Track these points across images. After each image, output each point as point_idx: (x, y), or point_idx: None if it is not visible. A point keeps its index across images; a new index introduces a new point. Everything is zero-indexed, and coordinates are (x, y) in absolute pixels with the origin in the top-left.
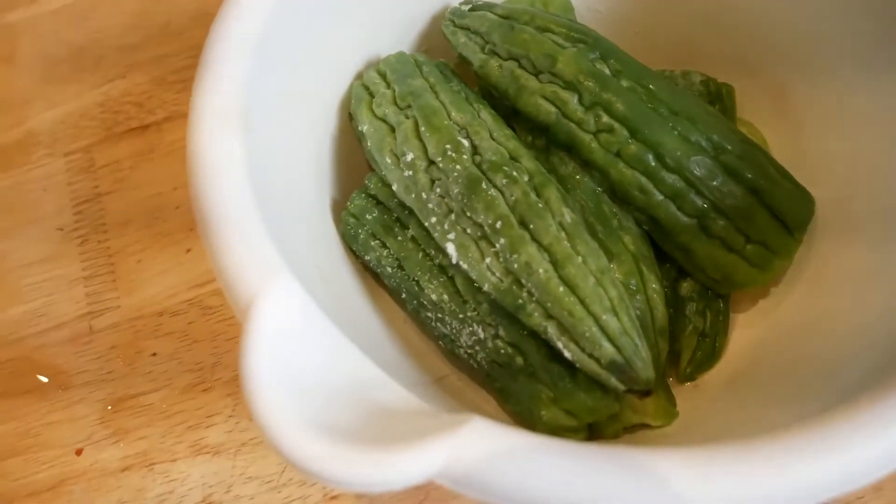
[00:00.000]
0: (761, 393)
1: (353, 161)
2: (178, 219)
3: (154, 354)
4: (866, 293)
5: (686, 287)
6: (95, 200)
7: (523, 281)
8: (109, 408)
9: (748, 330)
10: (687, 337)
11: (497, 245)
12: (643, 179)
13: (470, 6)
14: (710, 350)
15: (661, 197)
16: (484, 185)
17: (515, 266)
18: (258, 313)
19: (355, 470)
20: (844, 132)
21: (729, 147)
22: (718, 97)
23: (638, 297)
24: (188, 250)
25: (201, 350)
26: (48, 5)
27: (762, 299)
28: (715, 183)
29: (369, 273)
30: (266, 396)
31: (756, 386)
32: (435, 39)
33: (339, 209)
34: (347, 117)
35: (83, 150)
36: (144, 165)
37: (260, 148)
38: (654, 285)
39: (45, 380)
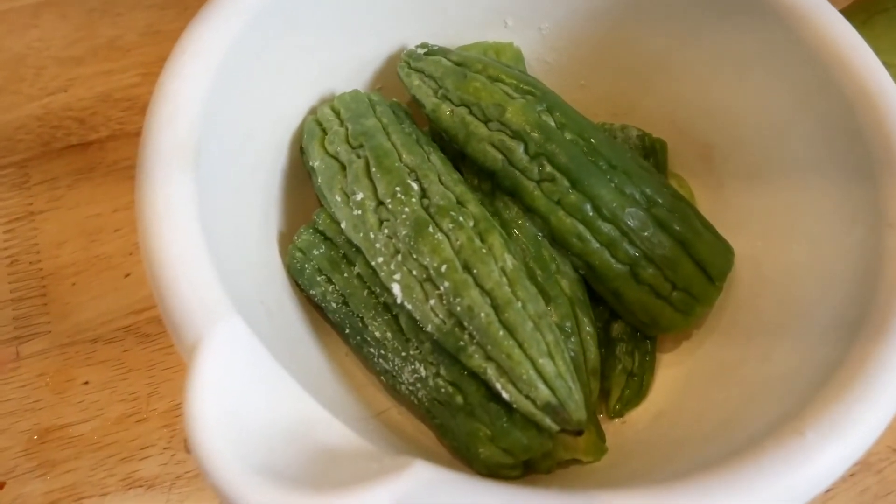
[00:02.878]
0: (682, 431)
1: (302, 194)
2: (117, 242)
3: (86, 383)
4: (774, 344)
5: (617, 328)
6: (28, 219)
7: (465, 324)
8: (35, 438)
9: (672, 369)
10: (617, 376)
11: (441, 288)
12: (581, 227)
13: (425, 50)
14: (638, 388)
15: (596, 245)
16: (431, 229)
17: (458, 309)
18: (204, 355)
19: None
20: (759, 190)
21: (660, 200)
22: (652, 151)
23: (572, 339)
24: (126, 275)
25: (137, 379)
26: None
27: (685, 341)
28: (646, 234)
29: (313, 306)
30: (211, 441)
31: (678, 424)
32: (390, 78)
33: (286, 242)
34: (299, 151)
35: (17, 165)
36: (83, 184)
37: (210, 181)
38: (587, 328)
39: None
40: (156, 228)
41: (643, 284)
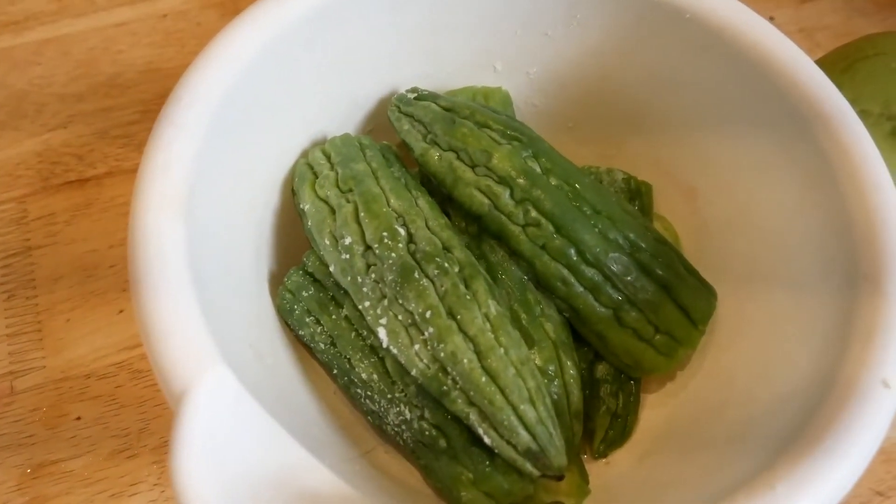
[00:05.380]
0: (665, 472)
1: (293, 234)
2: (111, 278)
3: (78, 418)
4: (754, 387)
5: (601, 370)
6: (25, 254)
7: (449, 369)
8: (28, 471)
9: (656, 410)
10: (601, 417)
11: (426, 333)
12: (565, 272)
13: (416, 94)
14: (622, 429)
15: (580, 288)
16: (416, 275)
17: (442, 355)
18: (190, 405)
19: None
20: (742, 233)
21: (643, 245)
22: (638, 194)
23: (556, 382)
24: (120, 311)
25: (128, 415)
26: None
27: (669, 382)
28: (629, 278)
29: (302, 345)
30: (196, 491)
31: (661, 465)
32: (381, 120)
33: (277, 282)
34: (290, 192)
35: (16, 201)
36: (80, 221)
37: (203, 226)
38: (571, 371)
39: None
40: (146, 279)
41: (626, 328)
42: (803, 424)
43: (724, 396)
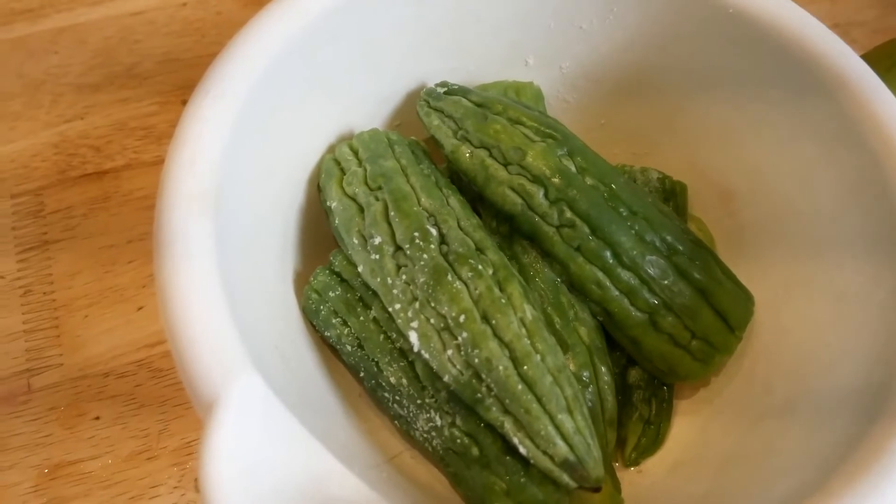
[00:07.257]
0: (699, 483)
1: (319, 232)
2: (130, 273)
3: (97, 418)
4: (794, 397)
5: (634, 375)
6: (42, 248)
7: (483, 376)
8: (46, 471)
9: (690, 417)
10: (633, 423)
11: (459, 338)
12: (600, 275)
13: (445, 89)
14: (655, 437)
15: (616, 292)
16: (449, 277)
17: (476, 360)
18: (221, 416)
19: None
20: (781, 237)
21: (680, 248)
22: (672, 194)
23: (590, 389)
24: (140, 308)
25: (148, 415)
26: (6, 34)
27: (703, 388)
28: (666, 282)
29: (328, 346)
30: (227, 502)
31: (695, 476)
32: (409, 114)
33: (302, 281)
34: (316, 189)
35: (33, 193)
36: (98, 214)
37: (229, 224)
38: (605, 377)
39: None
40: (174, 282)
41: (662, 333)
42: (855, 441)
43: (761, 405)
